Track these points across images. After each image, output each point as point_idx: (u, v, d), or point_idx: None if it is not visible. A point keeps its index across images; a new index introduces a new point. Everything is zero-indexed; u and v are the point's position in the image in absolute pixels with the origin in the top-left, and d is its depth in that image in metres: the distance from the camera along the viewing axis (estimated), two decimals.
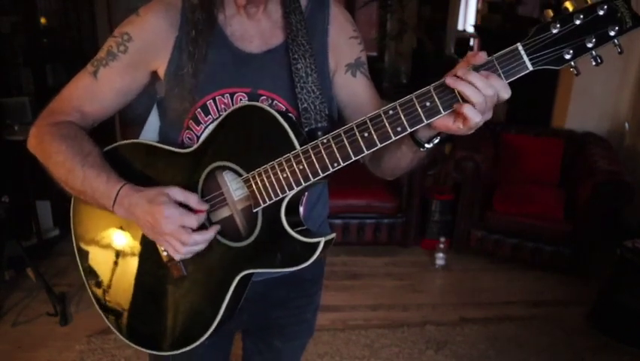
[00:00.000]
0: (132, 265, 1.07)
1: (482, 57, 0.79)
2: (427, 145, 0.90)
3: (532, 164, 3.64)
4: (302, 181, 0.90)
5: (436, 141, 0.90)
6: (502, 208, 3.34)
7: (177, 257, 0.98)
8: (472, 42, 8.44)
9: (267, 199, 0.93)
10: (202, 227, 0.97)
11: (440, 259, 3.37)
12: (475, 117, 0.78)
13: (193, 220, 0.94)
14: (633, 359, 2.55)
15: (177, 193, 0.95)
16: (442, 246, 3.39)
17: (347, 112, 1.09)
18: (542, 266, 3.29)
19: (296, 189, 0.92)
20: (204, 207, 0.97)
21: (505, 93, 0.78)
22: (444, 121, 0.83)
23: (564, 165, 3.63)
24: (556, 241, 3.21)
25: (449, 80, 0.79)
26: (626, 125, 3.82)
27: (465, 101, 0.78)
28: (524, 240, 3.29)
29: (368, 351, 2.55)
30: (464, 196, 3.40)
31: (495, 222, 3.34)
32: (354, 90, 1.09)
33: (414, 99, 0.82)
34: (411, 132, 0.89)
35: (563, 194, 3.46)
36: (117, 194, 0.95)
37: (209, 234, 0.96)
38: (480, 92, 0.77)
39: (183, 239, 0.93)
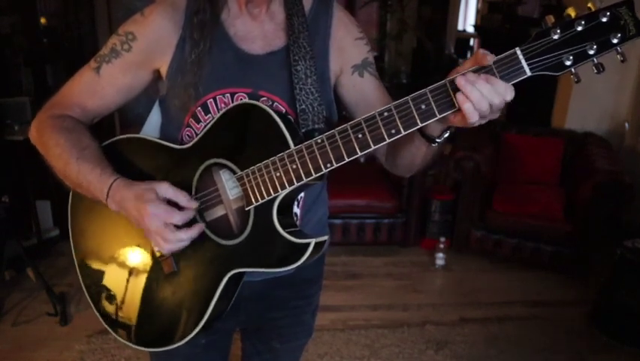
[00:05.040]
0: (126, 260, 1.07)
1: (489, 58, 0.77)
2: (437, 140, 0.90)
3: (532, 164, 3.64)
4: (294, 181, 0.91)
5: (447, 135, 0.90)
6: (502, 208, 3.34)
7: (164, 252, 0.99)
8: (472, 42, 8.44)
9: (259, 198, 0.93)
10: (191, 221, 0.97)
11: (440, 259, 3.37)
12: (473, 117, 0.78)
13: (177, 217, 0.94)
14: (633, 359, 2.55)
15: (167, 190, 0.95)
16: (442, 246, 3.39)
17: (358, 113, 1.07)
18: (542, 266, 3.29)
19: (288, 189, 0.92)
20: (193, 204, 0.97)
21: (509, 95, 0.77)
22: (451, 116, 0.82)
23: (564, 165, 3.63)
24: (557, 241, 3.21)
25: (461, 81, 0.77)
26: (626, 125, 3.81)
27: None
28: (524, 240, 3.29)
29: (368, 351, 2.54)
30: (464, 196, 3.40)
31: (495, 222, 3.34)
32: (362, 90, 1.08)
33: (409, 102, 0.82)
34: (420, 129, 0.88)
35: (563, 194, 3.45)
36: (109, 188, 0.96)
37: (193, 231, 0.96)
38: (485, 98, 0.76)
39: (166, 236, 0.93)
